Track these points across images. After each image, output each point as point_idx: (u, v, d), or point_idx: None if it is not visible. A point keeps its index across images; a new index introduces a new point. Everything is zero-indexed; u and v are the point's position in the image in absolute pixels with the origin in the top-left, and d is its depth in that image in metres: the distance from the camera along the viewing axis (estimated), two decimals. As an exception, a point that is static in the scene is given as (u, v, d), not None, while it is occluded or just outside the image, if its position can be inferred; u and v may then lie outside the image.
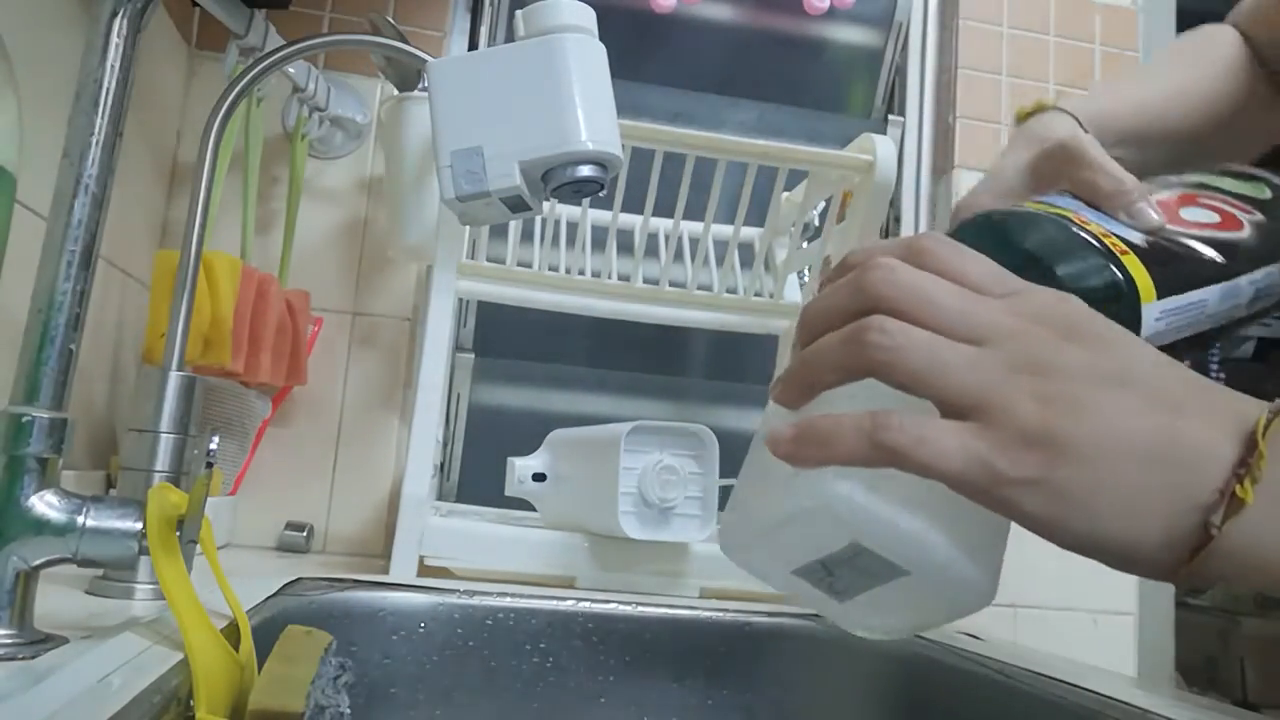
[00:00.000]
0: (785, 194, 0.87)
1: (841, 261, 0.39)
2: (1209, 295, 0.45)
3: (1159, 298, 0.42)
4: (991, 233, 0.45)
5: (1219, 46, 0.60)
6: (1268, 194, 0.50)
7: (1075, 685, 0.53)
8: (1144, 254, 0.43)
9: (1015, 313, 0.35)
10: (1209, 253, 0.45)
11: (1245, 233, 0.46)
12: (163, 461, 0.54)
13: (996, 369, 0.33)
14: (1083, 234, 0.43)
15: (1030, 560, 1.21)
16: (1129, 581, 1.07)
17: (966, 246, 0.38)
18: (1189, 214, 0.46)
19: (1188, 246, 0.45)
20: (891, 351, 0.34)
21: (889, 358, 0.34)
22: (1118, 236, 0.43)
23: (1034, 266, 0.41)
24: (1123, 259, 0.42)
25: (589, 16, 0.48)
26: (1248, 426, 0.32)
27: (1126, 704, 0.50)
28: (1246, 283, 0.46)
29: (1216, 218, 0.47)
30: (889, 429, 0.33)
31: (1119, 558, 0.34)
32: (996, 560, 0.37)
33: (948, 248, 0.37)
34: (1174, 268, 0.44)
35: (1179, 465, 0.32)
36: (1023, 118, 0.54)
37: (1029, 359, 0.33)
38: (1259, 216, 0.47)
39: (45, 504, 0.41)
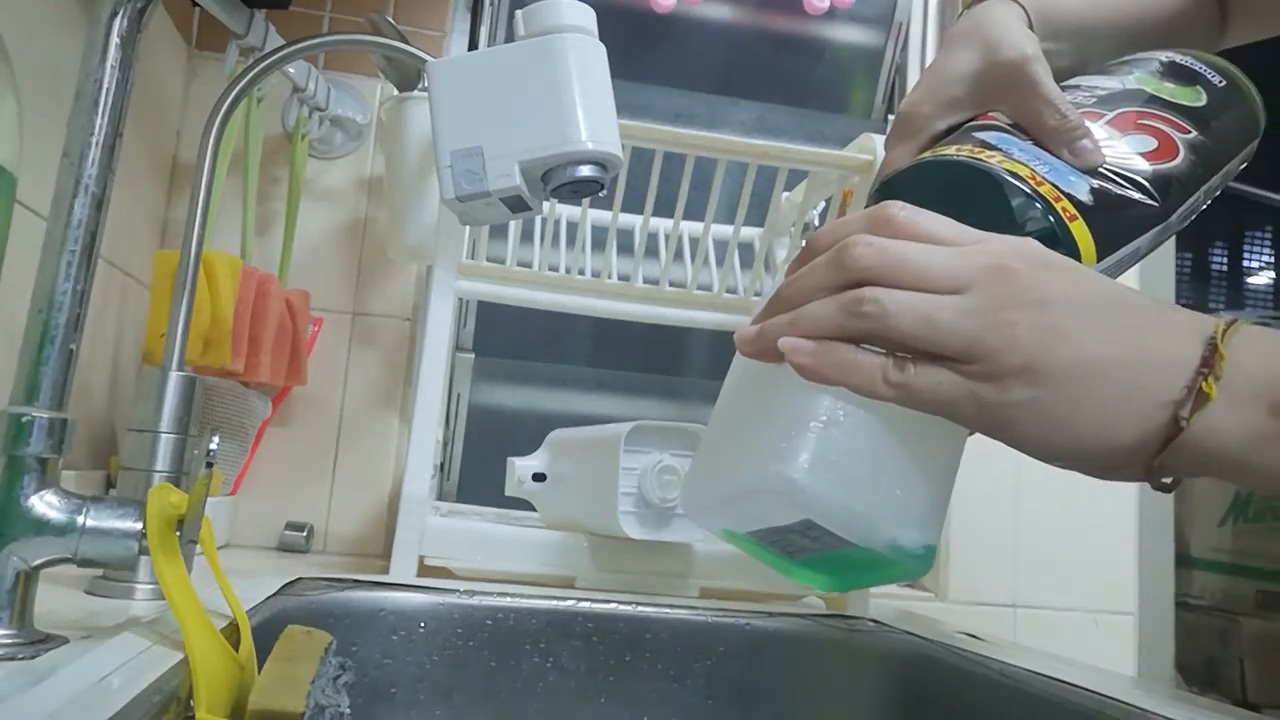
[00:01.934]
0: (785, 194, 0.87)
1: (807, 245, 0.42)
2: (1142, 241, 0.47)
3: (1099, 259, 0.45)
4: (945, 185, 0.46)
5: None
6: (1203, 100, 0.51)
7: (1075, 685, 0.53)
8: (1088, 214, 0.44)
9: (988, 255, 0.38)
10: (1145, 199, 0.46)
11: (1179, 160, 0.48)
12: (163, 461, 0.54)
13: (982, 311, 0.37)
14: (1036, 198, 0.44)
15: (1030, 560, 1.20)
16: (1129, 581, 1.07)
17: (921, 208, 0.40)
18: (1128, 143, 0.48)
19: (1126, 190, 0.46)
20: (885, 318, 0.37)
21: (884, 324, 0.37)
22: (1067, 198, 0.45)
23: (986, 225, 0.42)
24: (1070, 225, 0.44)
25: (589, 16, 0.48)
26: (1208, 333, 0.37)
27: (1126, 704, 0.50)
28: (1176, 217, 0.48)
29: (1154, 144, 0.48)
30: (903, 371, 0.37)
31: (1099, 464, 0.38)
32: (935, 535, 0.41)
33: (909, 212, 0.40)
34: (1113, 223, 0.45)
35: (1150, 371, 0.36)
36: (969, 2, 0.54)
37: (1008, 294, 0.37)
38: (1193, 134, 0.49)
39: (45, 504, 0.41)
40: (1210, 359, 0.36)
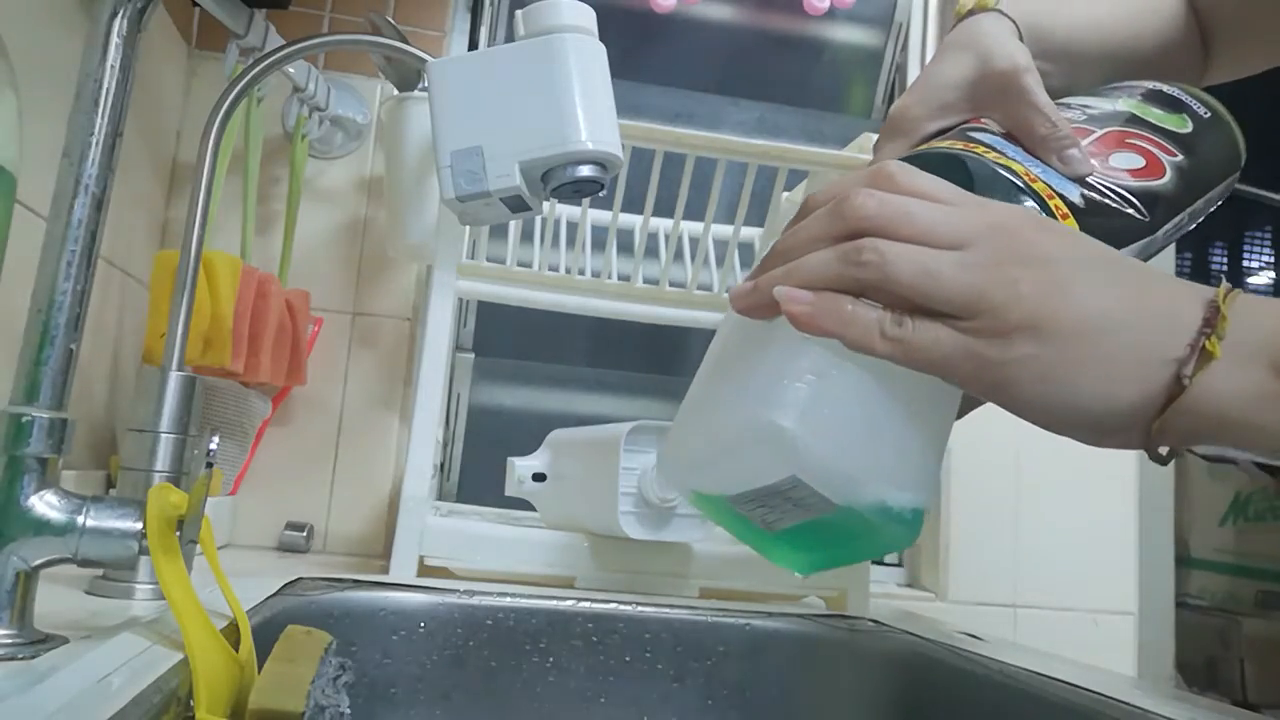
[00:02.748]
0: (785, 194, 0.87)
1: (805, 204, 0.41)
2: (1129, 253, 0.47)
3: None
4: (946, 173, 0.47)
5: None
6: (1189, 127, 0.51)
7: (1075, 685, 0.53)
8: (1080, 216, 0.45)
9: (989, 214, 0.38)
10: (1133, 211, 0.47)
11: (1166, 179, 0.48)
12: (163, 461, 0.54)
13: (983, 266, 0.36)
14: (1029, 193, 0.44)
15: (1030, 560, 1.20)
16: (1129, 581, 1.07)
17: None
18: (1117, 159, 0.48)
19: (1116, 202, 0.47)
20: (885, 267, 0.36)
21: (884, 273, 0.36)
22: (1060, 197, 0.45)
23: None
24: (1063, 223, 0.44)
25: (589, 16, 0.48)
26: (1209, 296, 0.36)
27: (1126, 704, 0.49)
28: (1162, 234, 0.49)
29: (1141, 162, 0.48)
30: (901, 326, 0.36)
31: (1097, 427, 0.37)
32: (924, 499, 0.40)
33: (910, 171, 0.39)
34: (1103, 229, 0.46)
35: (1151, 328, 0.36)
36: (961, 15, 0.54)
37: (1009, 251, 0.37)
38: (1179, 158, 0.49)
39: (45, 504, 0.41)
40: (1213, 319, 0.35)
